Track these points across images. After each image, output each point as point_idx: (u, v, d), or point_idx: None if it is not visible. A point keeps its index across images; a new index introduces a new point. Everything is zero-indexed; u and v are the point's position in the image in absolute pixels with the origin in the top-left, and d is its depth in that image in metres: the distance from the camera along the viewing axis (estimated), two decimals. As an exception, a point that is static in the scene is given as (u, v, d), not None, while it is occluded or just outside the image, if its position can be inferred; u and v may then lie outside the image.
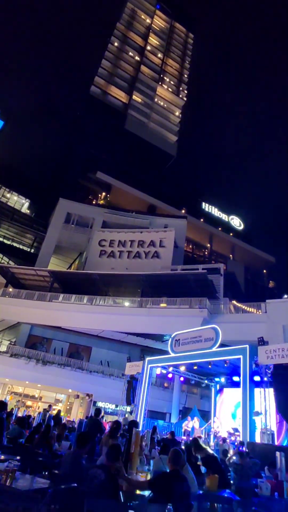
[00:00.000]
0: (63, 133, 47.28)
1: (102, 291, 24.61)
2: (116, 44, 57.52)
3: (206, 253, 44.99)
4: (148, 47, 60.61)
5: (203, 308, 19.97)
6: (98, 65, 53.89)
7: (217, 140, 61.42)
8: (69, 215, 33.42)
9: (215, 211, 48.84)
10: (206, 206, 48.41)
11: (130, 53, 58.12)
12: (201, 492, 5.00)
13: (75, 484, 3.71)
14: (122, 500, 3.59)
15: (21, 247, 37.31)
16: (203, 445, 6.61)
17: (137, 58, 58.44)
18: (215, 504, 4.95)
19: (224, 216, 49.33)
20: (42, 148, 44.43)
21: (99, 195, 42.75)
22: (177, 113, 58.96)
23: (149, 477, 5.05)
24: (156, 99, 57.27)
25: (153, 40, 62.10)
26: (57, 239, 31.86)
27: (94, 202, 40.53)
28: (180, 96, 60.67)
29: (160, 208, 40.91)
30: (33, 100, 49.72)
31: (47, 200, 37.39)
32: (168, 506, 2.73)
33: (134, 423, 7.17)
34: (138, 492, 4.16)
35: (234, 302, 23.21)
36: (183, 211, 42.77)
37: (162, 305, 21.68)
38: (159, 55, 61.41)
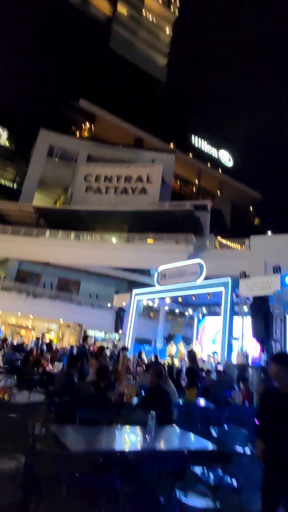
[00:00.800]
0: (42, 55, 41.72)
1: (89, 228, 24.49)
2: None
3: (193, 189, 44.17)
4: None
5: (189, 243, 20.33)
6: None
7: (210, 66, 55.83)
8: (51, 148, 31.45)
9: (205, 145, 46.67)
10: (195, 140, 46.03)
11: None
12: (181, 401, 5.61)
13: (67, 398, 4.05)
14: (111, 409, 3.98)
15: (2, 182, 35.56)
16: (197, 358, 7.49)
17: None
18: (194, 411, 5.61)
19: (213, 151, 47.35)
20: (18, 72, 39.49)
21: (83, 126, 39.71)
22: (167, 31, 52.24)
23: (134, 390, 5.60)
24: (144, 12, 50.05)
25: None
26: (41, 174, 30.42)
27: (77, 134, 37.83)
28: (172, 9, 53.08)
29: (148, 141, 38.66)
30: (4, 15, 42.48)
31: (27, 131, 34.57)
32: (152, 412, 3.04)
33: (125, 348, 7.88)
34: (125, 401, 4.63)
35: (219, 238, 23.62)
36: (171, 144, 40.69)
37: (149, 240, 21.91)
38: None
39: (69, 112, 38.68)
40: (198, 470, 3.30)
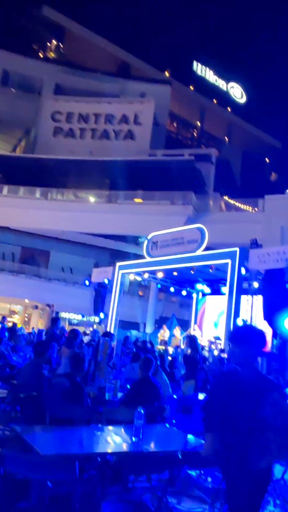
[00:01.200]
0: None
1: (60, 183, 24.23)
2: None
3: (194, 134, 43.36)
4: None
5: (188, 204, 20.37)
6: None
7: None
8: (6, 73, 30.23)
9: (210, 75, 45.22)
10: (198, 68, 44.46)
11: None
12: (175, 396, 5.87)
13: (35, 393, 4.17)
14: (88, 405, 4.14)
15: None
16: (198, 345, 7.81)
17: None
18: (191, 407, 5.89)
19: (221, 83, 46.02)
20: None
21: (48, 44, 37.74)
22: None
23: (118, 384, 5.82)
24: None
25: None
26: (-7, 109, 29.28)
27: (41, 55, 36.04)
28: None
29: (136, 68, 37.16)
30: None
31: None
32: (139, 409, 3.16)
33: (107, 334, 8.07)
34: (107, 397, 4.82)
35: (226, 198, 23.64)
36: (166, 73, 39.31)
37: (137, 200, 21.89)
38: None
39: (29, 23, 36.40)
40: (194, 473, 3.51)
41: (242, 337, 2.48)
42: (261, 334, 2.50)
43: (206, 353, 11.89)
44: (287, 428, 2.24)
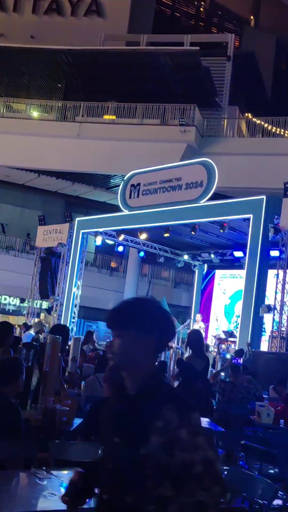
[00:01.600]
0: None
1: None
2: None
3: (201, 9, 42.54)
4: None
5: (188, 125, 20.18)
6: None
7: None
8: None
9: None
10: None
11: None
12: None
13: None
14: (27, 439, 4.23)
15: None
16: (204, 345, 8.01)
17: None
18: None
19: None
20: None
21: None
22: None
23: (76, 406, 5.95)
24: None
25: None
26: None
27: None
28: None
29: None
30: None
31: None
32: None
33: (61, 329, 7.95)
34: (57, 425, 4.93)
35: (249, 115, 23.46)
36: None
37: (107, 117, 21.72)
38: None
39: None
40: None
41: (125, 317, 1.94)
42: (161, 314, 1.99)
43: (212, 357, 12.21)
44: (195, 473, 1.71)
